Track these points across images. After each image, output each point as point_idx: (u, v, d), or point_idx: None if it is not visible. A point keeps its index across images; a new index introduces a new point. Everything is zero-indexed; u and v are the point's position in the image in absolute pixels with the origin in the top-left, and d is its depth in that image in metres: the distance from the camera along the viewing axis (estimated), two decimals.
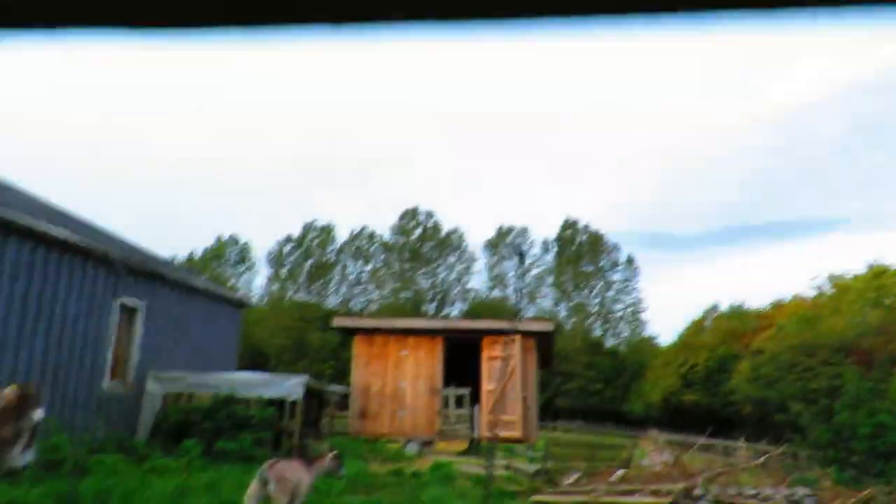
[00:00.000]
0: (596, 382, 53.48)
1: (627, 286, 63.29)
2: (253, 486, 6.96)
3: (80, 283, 12.12)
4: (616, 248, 63.48)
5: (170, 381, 13.71)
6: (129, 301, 13.48)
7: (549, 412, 50.54)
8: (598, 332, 61.80)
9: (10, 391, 4.03)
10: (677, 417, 40.00)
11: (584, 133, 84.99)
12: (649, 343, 63.04)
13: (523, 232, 65.29)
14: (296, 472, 7.25)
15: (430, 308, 60.70)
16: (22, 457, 4.01)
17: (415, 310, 55.44)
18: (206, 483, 8.79)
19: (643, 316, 65.51)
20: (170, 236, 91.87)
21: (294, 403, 13.53)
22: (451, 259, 64.66)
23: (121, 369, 13.39)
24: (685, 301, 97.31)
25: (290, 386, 13.39)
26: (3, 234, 10.34)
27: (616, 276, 63.48)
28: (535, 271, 63.84)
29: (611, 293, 63.40)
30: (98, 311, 12.57)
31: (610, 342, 61.86)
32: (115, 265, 12.75)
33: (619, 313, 63.34)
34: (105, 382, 12.71)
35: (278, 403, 13.65)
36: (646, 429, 13.70)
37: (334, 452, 8.08)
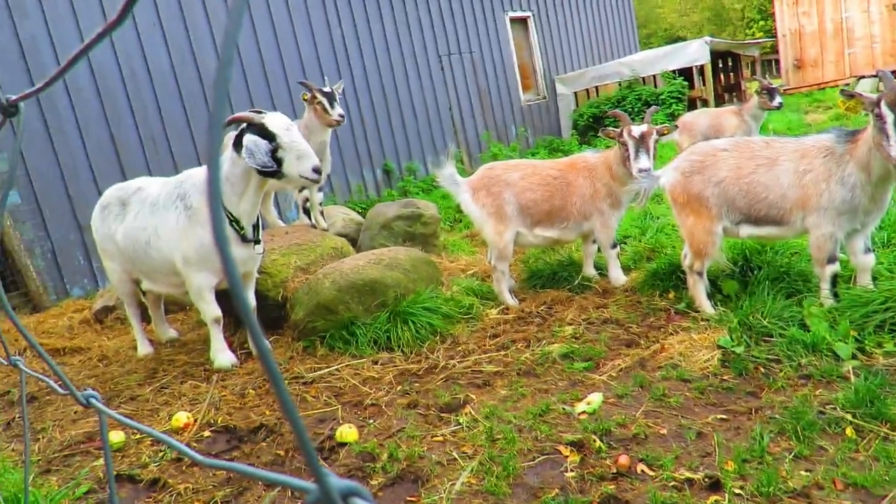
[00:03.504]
0: None
1: None
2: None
3: (468, 4, 12.82)
4: None
5: (573, 79, 14.15)
6: (518, 13, 13.87)
7: None
8: None
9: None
10: None
11: None
12: None
13: None
14: (701, 118, 6.90)
15: None
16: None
17: None
18: None
19: None
20: None
21: (702, 68, 12.47)
22: None
23: (530, 80, 14.38)
24: None
25: (693, 51, 12.24)
26: None
27: None
28: None
29: None
30: (493, 29, 13.35)
31: None
32: None
33: None
34: (521, 95, 13.92)
35: (687, 74, 12.81)
36: None
37: (761, 86, 7.27)
